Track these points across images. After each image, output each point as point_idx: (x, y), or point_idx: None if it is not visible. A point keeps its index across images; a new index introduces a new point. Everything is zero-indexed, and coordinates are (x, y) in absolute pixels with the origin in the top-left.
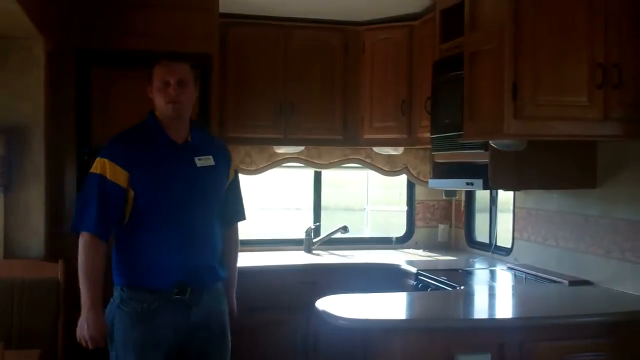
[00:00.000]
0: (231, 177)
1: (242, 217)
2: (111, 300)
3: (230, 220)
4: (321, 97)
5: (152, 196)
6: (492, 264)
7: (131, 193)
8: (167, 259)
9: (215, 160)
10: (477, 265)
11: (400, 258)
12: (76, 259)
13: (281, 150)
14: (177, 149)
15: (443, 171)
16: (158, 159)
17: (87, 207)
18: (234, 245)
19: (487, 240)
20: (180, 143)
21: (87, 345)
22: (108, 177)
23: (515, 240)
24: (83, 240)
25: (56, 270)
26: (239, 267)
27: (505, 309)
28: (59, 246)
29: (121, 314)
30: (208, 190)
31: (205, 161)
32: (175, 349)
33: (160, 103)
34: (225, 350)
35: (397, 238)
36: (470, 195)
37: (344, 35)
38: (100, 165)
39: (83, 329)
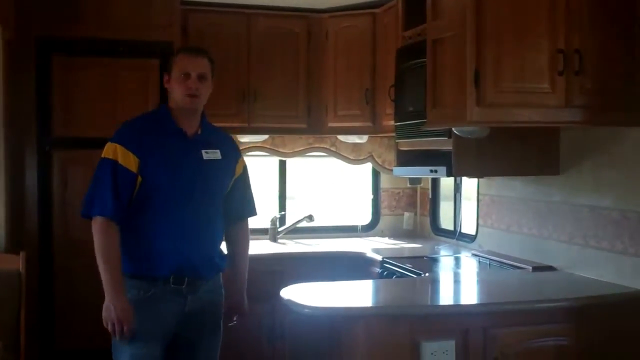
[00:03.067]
0: (238, 172)
1: (252, 212)
2: None
3: (239, 215)
4: (285, 86)
5: (158, 184)
6: (456, 251)
7: (139, 179)
8: (165, 247)
9: (222, 155)
10: (442, 253)
11: (365, 246)
12: (37, 251)
13: (245, 139)
14: (186, 140)
15: (407, 159)
16: (167, 148)
17: (99, 192)
18: (244, 239)
19: (452, 228)
20: (190, 135)
21: (113, 329)
22: (120, 162)
23: (479, 227)
24: (97, 224)
25: (17, 263)
26: None
27: (469, 296)
28: (21, 238)
29: None
30: (212, 183)
31: (212, 154)
32: (170, 339)
33: (177, 94)
34: (215, 343)
35: (362, 226)
36: (435, 183)
37: (307, 23)
38: (112, 150)
39: (110, 312)
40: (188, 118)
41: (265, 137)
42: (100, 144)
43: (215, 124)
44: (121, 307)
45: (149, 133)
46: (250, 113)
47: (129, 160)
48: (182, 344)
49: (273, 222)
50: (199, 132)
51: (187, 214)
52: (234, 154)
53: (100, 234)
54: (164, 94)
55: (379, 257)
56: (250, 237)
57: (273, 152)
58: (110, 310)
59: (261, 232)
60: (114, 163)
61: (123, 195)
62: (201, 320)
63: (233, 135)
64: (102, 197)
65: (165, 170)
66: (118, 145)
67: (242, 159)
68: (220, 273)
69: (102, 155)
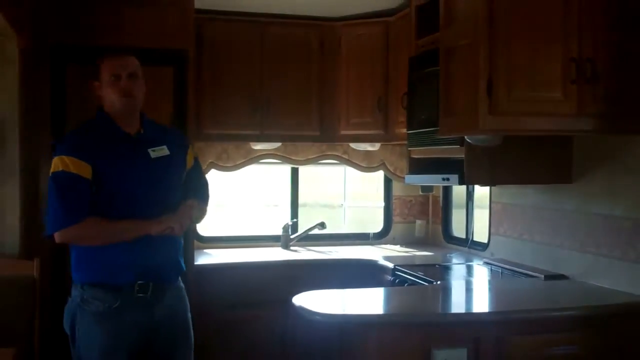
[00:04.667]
0: (189, 164)
1: (202, 197)
2: (69, 300)
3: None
4: (297, 93)
5: (112, 189)
6: (468, 259)
7: (93, 187)
8: (126, 254)
9: (169, 150)
10: (454, 261)
11: (377, 254)
12: (51, 258)
13: (258, 146)
14: (131, 142)
15: (419, 167)
16: (115, 152)
17: (65, 203)
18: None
19: (464, 236)
20: (133, 136)
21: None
22: (73, 171)
23: (491, 235)
24: (80, 229)
25: (32, 268)
26: (216, 263)
27: (481, 304)
28: (35, 244)
29: (83, 313)
30: (165, 181)
31: (159, 152)
32: (139, 349)
33: (112, 98)
34: (189, 347)
35: (374, 234)
36: (447, 191)
37: (320, 31)
38: (61, 163)
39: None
40: (127, 120)
41: (278, 144)
42: None
43: (229, 132)
44: (161, 224)
45: (95, 140)
46: (263, 120)
47: (81, 168)
48: (155, 355)
49: (285, 229)
50: (142, 131)
51: (144, 216)
52: (182, 146)
53: (87, 229)
54: (178, 102)
55: (390, 265)
56: (263, 244)
57: (285, 159)
58: (162, 229)
59: (273, 240)
60: (65, 173)
61: (86, 201)
62: (171, 327)
63: (243, 142)
64: (71, 206)
65: (117, 175)
66: (66, 157)
67: (191, 149)
68: (180, 279)
69: (52, 171)
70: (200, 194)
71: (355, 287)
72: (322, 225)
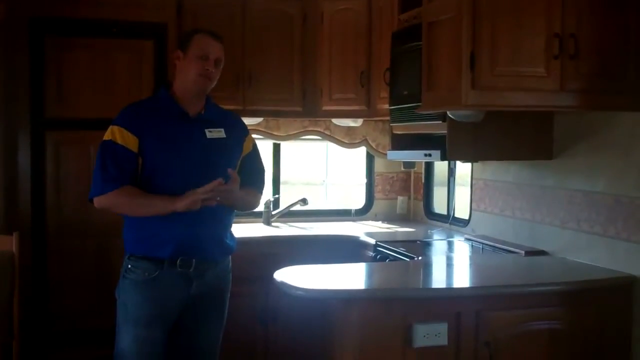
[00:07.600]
0: (246, 150)
1: (257, 188)
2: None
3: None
4: (280, 68)
5: (159, 164)
6: (450, 235)
7: (140, 159)
8: (168, 228)
9: (227, 133)
10: (435, 237)
11: (359, 230)
12: (30, 232)
13: None
14: (188, 120)
15: (402, 143)
16: (168, 128)
17: (104, 171)
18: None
19: (445, 212)
20: (192, 115)
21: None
22: (118, 141)
23: (472, 212)
24: (112, 197)
25: (11, 244)
26: None
27: (462, 279)
28: (14, 219)
29: (124, 281)
30: (217, 162)
31: (216, 133)
32: (173, 320)
33: (191, 73)
34: (217, 329)
35: (356, 210)
36: (429, 167)
37: (302, 5)
38: (111, 132)
39: (189, 202)
40: (193, 98)
41: (260, 119)
42: (93, 125)
43: None
44: (185, 199)
45: (150, 114)
46: (245, 96)
47: (127, 139)
48: (184, 327)
49: (267, 205)
50: (202, 112)
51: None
52: (240, 132)
53: (123, 200)
54: (157, 76)
55: (372, 241)
56: (245, 220)
57: (267, 135)
58: (186, 203)
59: (255, 215)
60: (112, 143)
61: (126, 169)
62: (205, 305)
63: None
64: (108, 174)
65: (165, 150)
66: (116, 127)
67: (250, 136)
68: (230, 257)
69: (103, 139)
70: (253, 179)
71: (337, 262)
72: (304, 201)
